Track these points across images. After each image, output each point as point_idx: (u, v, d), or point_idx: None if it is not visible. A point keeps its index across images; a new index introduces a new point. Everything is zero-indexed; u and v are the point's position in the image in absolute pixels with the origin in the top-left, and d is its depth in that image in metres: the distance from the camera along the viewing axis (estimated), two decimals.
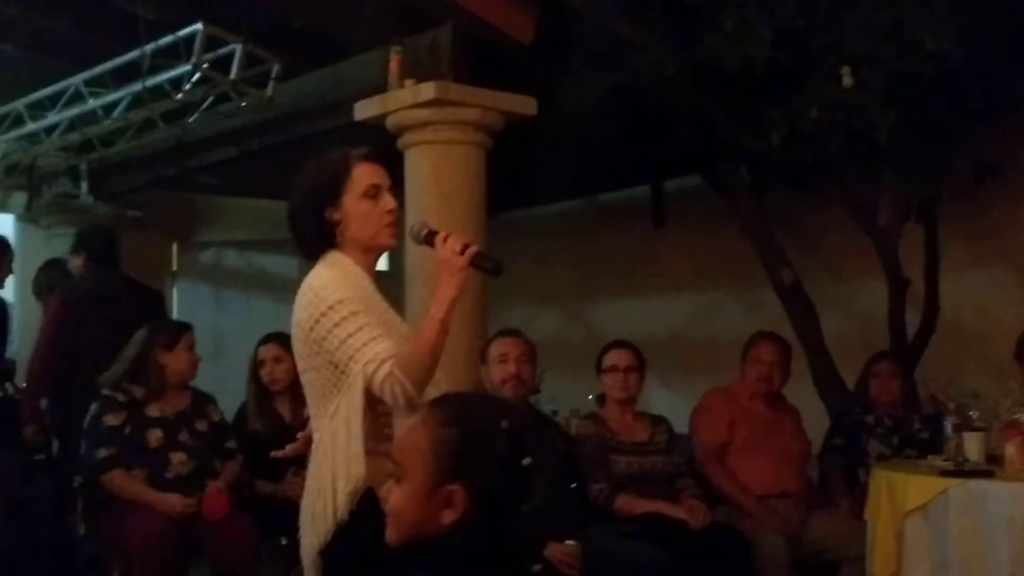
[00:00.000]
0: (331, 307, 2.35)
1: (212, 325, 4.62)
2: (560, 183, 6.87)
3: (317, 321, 2.37)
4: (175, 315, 7.45)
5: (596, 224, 7.61)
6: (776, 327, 5.23)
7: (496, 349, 3.98)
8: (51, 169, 6.62)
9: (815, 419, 5.08)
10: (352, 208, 2.45)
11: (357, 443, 2.33)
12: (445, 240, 2.36)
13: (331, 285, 2.40)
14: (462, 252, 2.34)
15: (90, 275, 5.10)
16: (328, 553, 2.38)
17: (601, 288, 7.65)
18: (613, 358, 4.41)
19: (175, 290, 8.03)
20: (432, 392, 2.42)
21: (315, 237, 2.48)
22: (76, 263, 5.22)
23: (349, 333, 2.33)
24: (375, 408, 2.35)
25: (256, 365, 4.67)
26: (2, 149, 6.18)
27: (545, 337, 4.42)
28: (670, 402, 5.15)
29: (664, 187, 7.29)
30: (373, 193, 2.46)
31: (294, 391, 4.59)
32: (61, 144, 5.98)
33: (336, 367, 2.36)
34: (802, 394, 5.20)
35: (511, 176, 5.27)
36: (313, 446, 2.46)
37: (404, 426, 2.35)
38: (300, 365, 2.47)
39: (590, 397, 5.80)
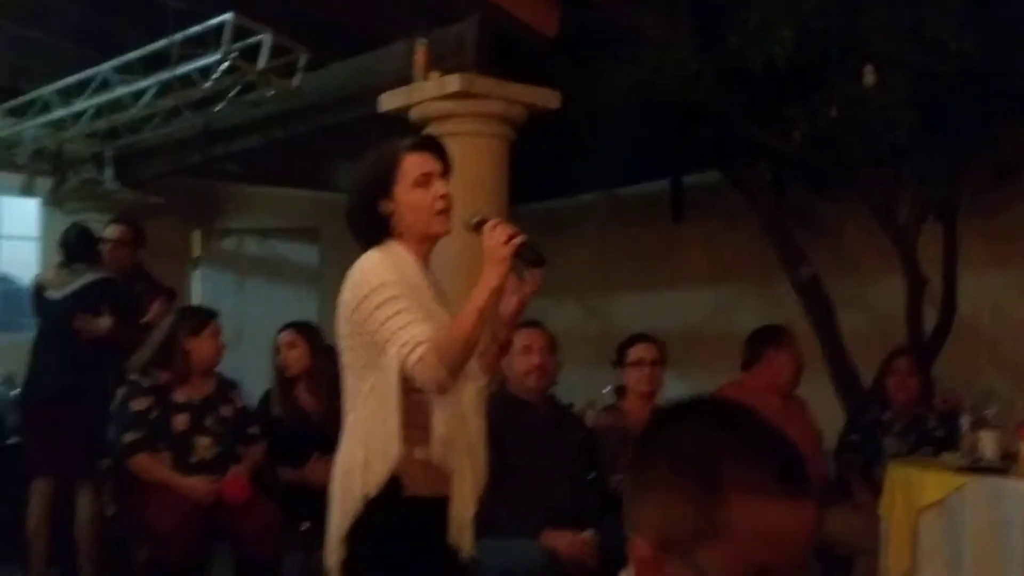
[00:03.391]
0: (374, 289, 2.40)
1: (233, 312, 4.68)
2: (581, 176, 6.93)
3: (360, 302, 2.41)
4: (198, 302, 7.54)
5: (615, 217, 7.65)
6: (793, 323, 5.26)
7: (520, 340, 4.02)
8: (77, 155, 6.68)
9: (831, 415, 5.13)
10: (403, 198, 2.49)
11: (393, 423, 2.36)
12: (494, 229, 2.39)
13: (377, 267, 2.44)
14: (507, 242, 2.36)
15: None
16: (354, 530, 2.41)
17: (619, 281, 7.70)
18: (639, 351, 4.43)
19: (198, 277, 8.09)
20: (464, 380, 2.46)
21: (371, 229, 2.53)
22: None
23: (388, 316, 2.37)
24: (409, 394, 2.38)
25: (275, 352, 4.75)
26: (30, 135, 6.24)
27: (562, 329, 4.45)
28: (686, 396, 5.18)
29: (683, 182, 7.32)
30: (423, 182, 2.50)
31: (312, 379, 4.67)
32: (88, 131, 6.03)
33: (374, 348, 2.39)
34: (819, 391, 5.23)
35: (533, 168, 5.31)
36: (346, 425, 2.50)
37: (441, 416, 2.40)
38: (341, 344, 2.51)
39: (605, 390, 5.86)
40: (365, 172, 2.57)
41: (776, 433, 1.21)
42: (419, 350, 2.32)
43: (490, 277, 2.36)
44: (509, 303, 2.51)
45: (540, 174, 6.16)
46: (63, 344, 4.92)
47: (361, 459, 2.40)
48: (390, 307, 2.37)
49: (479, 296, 2.35)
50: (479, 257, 2.43)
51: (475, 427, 2.52)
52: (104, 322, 4.86)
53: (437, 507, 2.44)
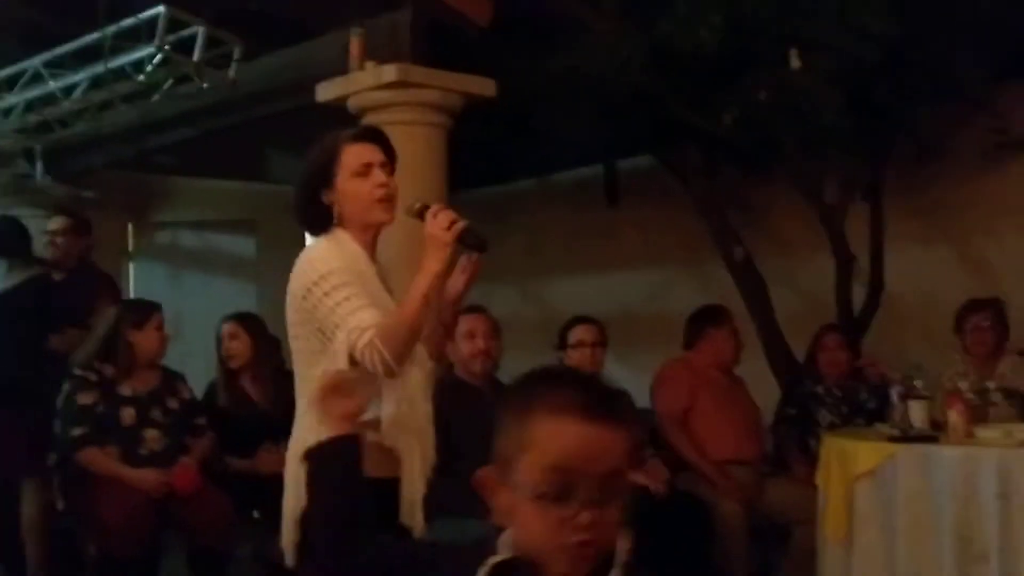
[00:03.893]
0: (322, 276, 2.44)
1: (170, 305, 4.66)
2: (516, 162, 6.99)
3: (309, 290, 2.46)
4: (132, 295, 7.48)
5: (550, 202, 7.72)
6: (727, 302, 5.40)
7: (464, 325, 4.09)
8: (7, 150, 6.58)
9: (767, 391, 5.27)
10: (344, 188, 2.55)
11: None
12: (436, 215, 2.43)
13: (325, 256, 2.49)
14: (450, 227, 2.41)
15: None
16: (307, 517, 2.44)
17: (556, 266, 7.77)
18: (580, 333, 4.53)
19: (131, 270, 8.02)
20: (411, 365, 2.53)
21: (315, 218, 2.58)
22: None
23: (337, 302, 2.42)
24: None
25: (218, 343, 4.76)
26: None
27: (500, 314, 4.53)
28: (625, 377, 5.29)
29: (617, 166, 7.42)
30: (363, 172, 2.54)
31: (256, 369, 4.70)
32: (18, 126, 5.95)
33: (323, 334, 2.44)
34: (754, 367, 5.38)
35: (469, 155, 5.36)
36: (298, 411, 2.54)
37: (390, 399, 2.46)
38: (291, 332, 2.55)
39: None
40: (309, 163, 2.62)
41: (588, 376, 1.53)
42: (367, 335, 2.37)
43: (433, 262, 2.42)
44: (455, 285, 2.57)
45: (476, 161, 6.21)
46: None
47: (313, 443, 2.43)
48: (338, 293, 2.42)
49: (422, 281, 2.41)
50: (422, 244, 2.49)
51: (423, 410, 2.59)
52: (73, 336, 4.80)
53: (387, 488, 2.49)
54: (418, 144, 4.82)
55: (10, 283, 4.92)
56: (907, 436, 3.89)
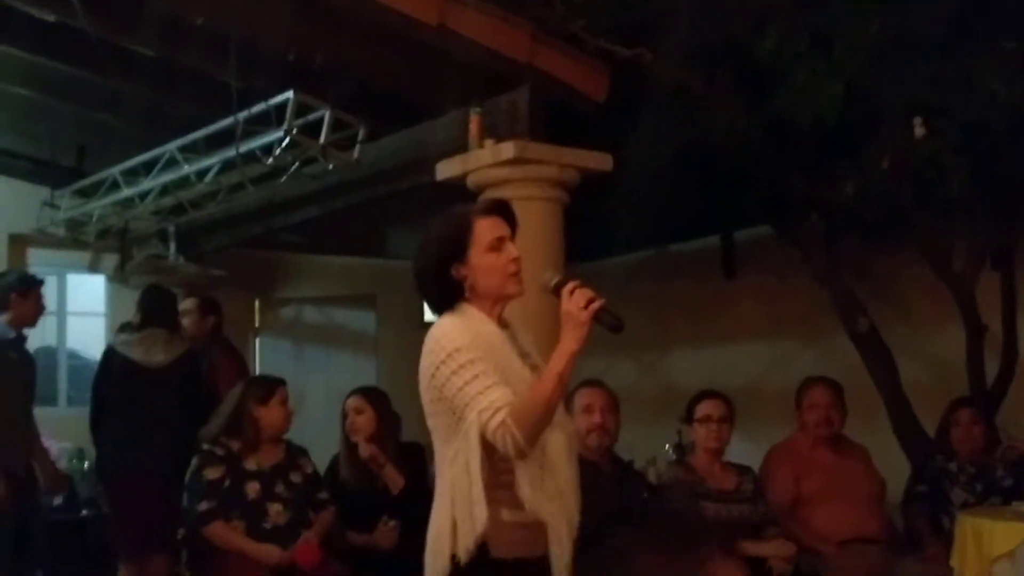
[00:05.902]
0: (449, 355, 2.42)
1: (293, 379, 4.78)
2: (633, 234, 6.98)
3: (437, 368, 2.44)
4: (258, 370, 7.67)
5: (668, 274, 7.69)
6: (852, 374, 5.27)
7: (581, 400, 4.07)
8: (142, 231, 6.87)
9: (896, 467, 5.10)
10: (477, 263, 2.52)
11: (478, 488, 2.37)
12: (572, 293, 2.39)
13: (452, 333, 2.47)
14: (587, 306, 2.38)
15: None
16: None
17: (673, 338, 7.72)
18: (707, 408, 4.47)
19: (257, 345, 8.24)
20: (552, 430, 2.45)
21: (443, 294, 2.57)
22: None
23: (466, 381, 2.39)
24: (492, 456, 2.40)
25: (343, 418, 4.81)
26: (98, 213, 6.44)
27: (619, 387, 4.50)
28: (747, 451, 5.19)
29: (735, 237, 7.36)
30: (496, 245, 2.53)
31: (379, 444, 4.73)
32: (153, 208, 6.22)
33: (454, 413, 2.41)
34: (882, 442, 5.21)
35: (585, 228, 5.39)
36: (436, 491, 2.52)
37: (525, 475, 2.44)
38: (426, 410, 2.53)
39: (667, 447, 5.86)
40: (437, 237, 2.60)
41: None
42: (499, 416, 2.34)
43: (569, 341, 2.37)
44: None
45: (593, 233, 6.23)
46: (162, 418, 5.01)
47: (449, 523, 2.41)
48: (466, 372, 2.40)
49: (558, 361, 2.36)
50: (544, 316, 2.47)
51: (566, 475, 2.51)
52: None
53: (525, 569, 2.43)
54: (535, 218, 4.86)
55: (170, 356, 5.12)
56: None
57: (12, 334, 5.04)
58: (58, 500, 5.99)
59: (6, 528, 4.92)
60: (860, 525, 4.51)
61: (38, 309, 5.21)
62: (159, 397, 5.04)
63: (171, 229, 6.70)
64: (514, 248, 2.57)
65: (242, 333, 7.90)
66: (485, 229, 2.55)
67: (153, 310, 5.26)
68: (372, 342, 8.51)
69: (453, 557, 2.39)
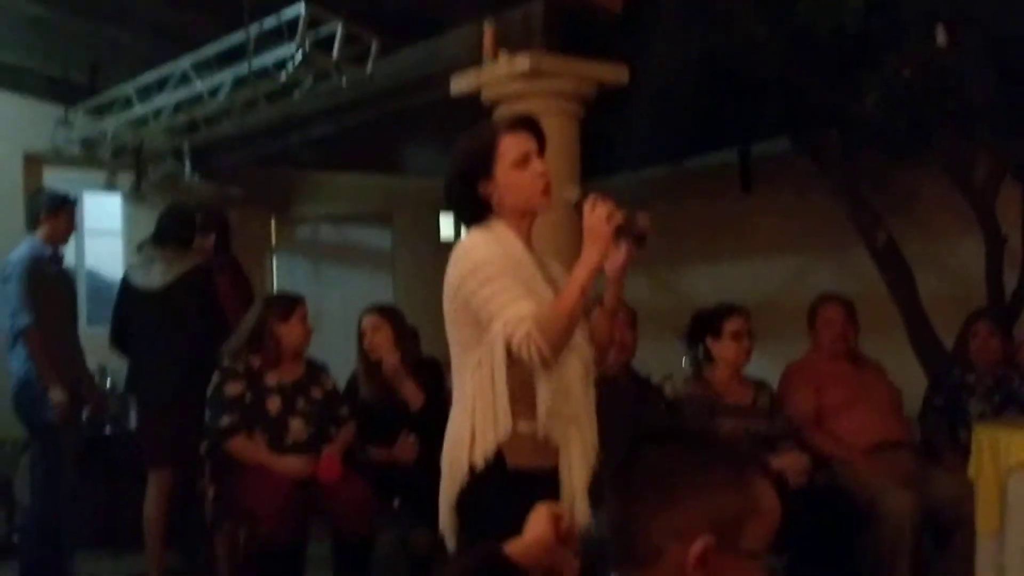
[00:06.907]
0: (477, 267, 2.45)
1: (310, 298, 4.79)
2: (648, 149, 6.92)
3: (464, 280, 2.46)
4: (275, 288, 7.71)
5: (684, 190, 7.64)
6: (870, 289, 5.26)
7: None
8: (157, 150, 6.84)
9: (913, 380, 5.11)
10: (503, 179, 2.54)
11: (503, 399, 2.41)
12: (594, 206, 2.41)
13: (479, 247, 2.50)
14: (609, 219, 2.39)
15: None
16: (462, 500, 2.49)
17: (690, 254, 7.69)
18: (733, 324, 4.44)
19: (274, 263, 8.26)
20: (569, 354, 2.49)
21: (471, 209, 2.59)
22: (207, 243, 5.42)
23: (493, 292, 2.41)
24: (514, 369, 2.42)
25: (360, 336, 4.83)
26: (112, 132, 6.41)
27: (634, 303, 4.49)
28: (762, 367, 5.21)
29: (752, 151, 7.29)
30: (523, 162, 2.54)
31: (399, 359, 4.75)
32: (167, 126, 6.18)
33: (479, 325, 2.44)
34: (899, 355, 5.22)
35: (600, 143, 5.34)
36: (455, 400, 2.55)
37: (546, 390, 2.46)
38: (448, 322, 2.56)
39: (684, 361, 5.87)
40: (463, 154, 2.61)
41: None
42: (523, 327, 2.36)
43: (591, 254, 2.39)
44: (615, 261, 2.54)
45: (607, 149, 6.18)
46: (166, 339, 5.02)
47: (468, 432, 2.45)
48: (493, 284, 2.42)
49: (580, 273, 2.39)
50: (565, 230, 2.46)
51: (581, 400, 2.54)
52: None
53: (542, 479, 2.46)
54: (552, 133, 4.71)
55: (170, 276, 5.09)
56: None
57: (48, 251, 5.08)
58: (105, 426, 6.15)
59: (70, 440, 5.02)
60: (885, 430, 4.50)
61: (70, 227, 5.25)
62: (161, 319, 5.03)
63: (186, 147, 6.66)
64: (541, 163, 2.56)
65: (259, 251, 7.91)
66: (511, 145, 2.54)
67: (161, 228, 5.24)
68: (388, 260, 8.52)
69: (471, 466, 2.43)
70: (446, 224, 8.44)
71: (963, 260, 5.72)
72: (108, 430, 6.22)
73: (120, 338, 5.24)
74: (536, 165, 2.55)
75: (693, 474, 1.41)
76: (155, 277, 5.11)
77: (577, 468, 2.51)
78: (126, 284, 5.23)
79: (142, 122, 6.17)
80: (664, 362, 5.81)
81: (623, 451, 1.50)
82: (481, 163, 2.55)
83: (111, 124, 6.30)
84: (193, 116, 5.96)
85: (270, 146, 6.71)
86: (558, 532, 1.75)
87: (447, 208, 2.68)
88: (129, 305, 5.18)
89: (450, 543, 2.54)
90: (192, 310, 5.06)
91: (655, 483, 1.42)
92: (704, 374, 4.48)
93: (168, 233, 5.20)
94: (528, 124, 2.62)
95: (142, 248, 5.33)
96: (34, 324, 4.85)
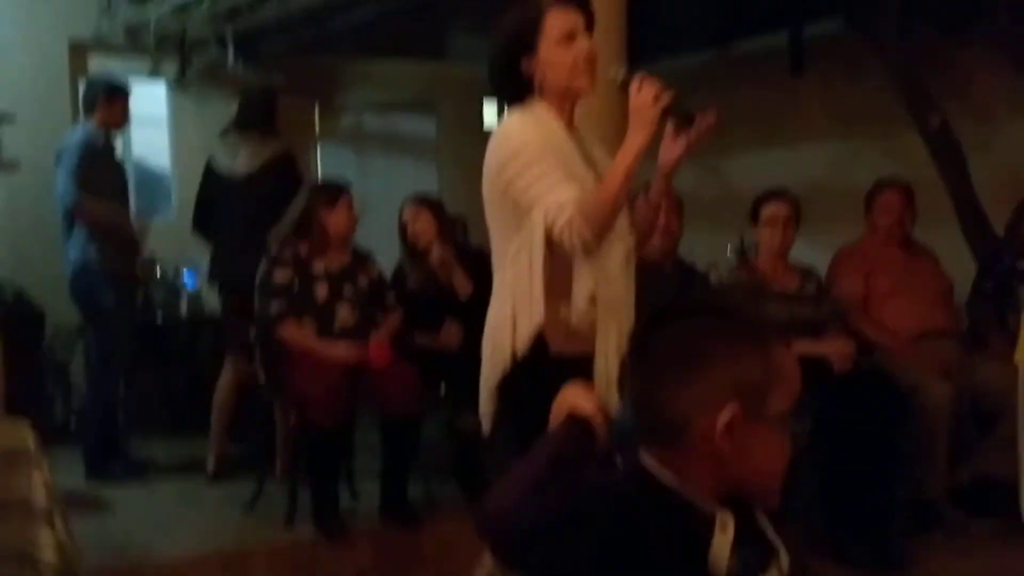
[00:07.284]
0: (517, 151, 2.39)
1: (356, 186, 4.78)
2: (695, 31, 6.78)
3: (504, 165, 2.41)
4: (319, 177, 7.71)
5: (732, 75, 7.48)
6: (921, 173, 5.15)
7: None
8: (200, 37, 6.80)
9: (962, 266, 5.05)
10: (547, 56, 2.45)
11: (539, 286, 2.38)
12: (640, 87, 2.31)
13: (520, 130, 2.43)
14: (655, 100, 2.30)
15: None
16: (503, 385, 2.48)
17: (738, 140, 7.56)
18: (773, 209, 4.40)
19: (319, 152, 8.25)
20: (612, 240, 2.44)
21: (513, 88, 2.51)
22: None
23: (535, 177, 2.36)
24: (554, 255, 2.39)
25: (402, 227, 4.84)
26: (155, 19, 6.38)
27: (680, 191, 4.45)
28: (810, 254, 5.17)
29: (803, 33, 7.10)
30: (567, 40, 2.45)
31: (444, 247, 4.77)
32: (210, 12, 6.13)
33: (519, 209, 2.39)
34: (949, 240, 5.15)
35: (644, 25, 5.22)
36: (495, 285, 2.53)
37: (585, 276, 2.44)
38: (487, 207, 2.52)
39: (728, 250, 5.84)
40: (507, 29, 2.52)
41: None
42: (566, 212, 2.31)
43: (637, 136, 2.30)
44: (669, 155, 2.45)
45: (655, 31, 6.04)
46: (252, 226, 4.98)
47: (509, 318, 2.43)
48: (534, 169, 2.36)
49: (625, 156, 2.30)
50: (611, 112, 2.40)
51: (621, 287, 2.51)
52: None
53: (583, 365, 2.42)
54: (599, 13, 4.71)
55: (256, 162, 5.04)
56: None
57: (101, 139, 5.11)
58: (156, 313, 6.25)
59: (125, 325, 5.12)
60: (930, 319, 4.49)
61: (125, 116, 5.27)
62: (246, 206, 4.98)
63: (228, 34, 6.61)
64: (586, 42, 2.47)
65: (303, 140, 7.89)
66: (556, 21, 2.45)
67: (242, 111, 5.17)
68: (432, 148, 8.47)
69: (513, 352, 2.43)
70: (490, 112, 8.36)
71: (1018, 146, 5.58)
72: (159, 318, 6.32)
73: (203, 225, 5.25)
74: (582, 42, 2.46)
75: (716, 344, 1.43)
76: (240, 163, 5.06)
77: (613, 355, 2.47)
78: (209, 170, 5.18)
79: (185, 8, 6.13)
80: (711, 251, 5.78)
81: (642, 326, 1.51)
82: (525, 38, 2.46)
83: (154, 11, 6.26)
84: (236, 2, 5.90)
85: (313, 32, 6.64)
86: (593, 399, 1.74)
87: (490, 91, 2.61)
88: (213, 191, 5.14)
89: (486, 426, 2.54)
90: (278, 196, 5.00)
91: (678, 356, 1.44)
92: (749, 261, 4.46)
93: (251, 118, 5.13)
94: (577, 0, 2.51)
95: (225, 134, 5.28)
96: (81, 201, 4.90)
